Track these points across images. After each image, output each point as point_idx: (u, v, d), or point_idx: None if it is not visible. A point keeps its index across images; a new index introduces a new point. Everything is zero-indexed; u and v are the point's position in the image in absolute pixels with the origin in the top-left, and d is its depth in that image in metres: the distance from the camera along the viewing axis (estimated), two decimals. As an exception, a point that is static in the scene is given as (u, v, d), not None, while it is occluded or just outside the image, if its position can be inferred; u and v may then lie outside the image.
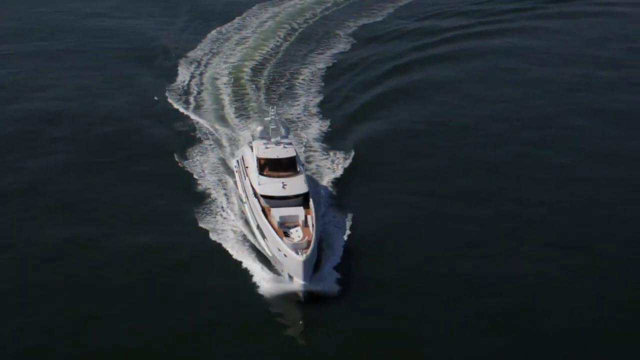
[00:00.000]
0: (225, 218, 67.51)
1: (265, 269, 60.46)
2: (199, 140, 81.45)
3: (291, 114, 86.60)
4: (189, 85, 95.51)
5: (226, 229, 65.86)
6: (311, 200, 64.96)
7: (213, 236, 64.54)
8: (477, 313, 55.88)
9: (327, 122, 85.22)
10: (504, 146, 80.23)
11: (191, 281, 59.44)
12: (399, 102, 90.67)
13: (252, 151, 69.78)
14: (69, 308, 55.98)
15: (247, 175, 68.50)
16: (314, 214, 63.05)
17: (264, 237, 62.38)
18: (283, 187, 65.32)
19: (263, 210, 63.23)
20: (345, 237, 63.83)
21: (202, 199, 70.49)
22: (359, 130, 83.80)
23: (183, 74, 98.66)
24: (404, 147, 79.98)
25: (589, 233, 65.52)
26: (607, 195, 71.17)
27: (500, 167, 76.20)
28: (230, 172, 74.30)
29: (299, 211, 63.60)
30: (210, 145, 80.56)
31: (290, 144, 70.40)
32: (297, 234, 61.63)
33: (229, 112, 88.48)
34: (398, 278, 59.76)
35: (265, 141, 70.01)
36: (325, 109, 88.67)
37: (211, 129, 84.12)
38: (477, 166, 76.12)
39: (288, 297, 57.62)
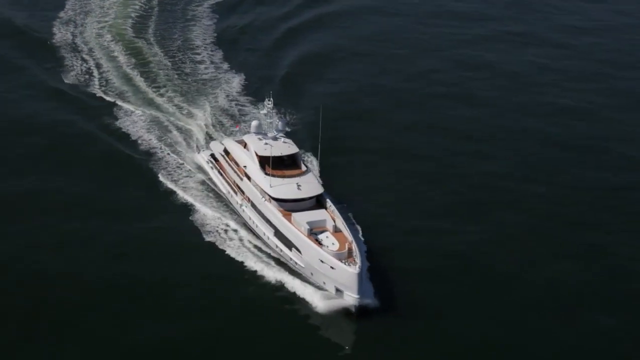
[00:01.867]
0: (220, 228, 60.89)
1: (307, 284, 54.90)
2: (112, 108, 75.99)
3: (205, 74, 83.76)
4: (73, 51, 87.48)
5: (226, 237, 59.70)
6: (328, 200, 59.20)
7: (214, 242, 58.67)
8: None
9: (243, 76, 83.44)
10: (422, 105, 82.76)
11: (223, 298, 54.01)
12: (307, 64, 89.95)
13: (247, 148, 62.51)
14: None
15: (244, 176, 61.66)
16: (340, 217, 57.44)
17: (290, 247, 56.23)
18: (298, 189, 58.98)
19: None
20: (362, 237, 58.92)
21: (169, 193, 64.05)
22: (280, 85, 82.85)
23: (60, 36, 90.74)
24: (334, 109, 77.57)
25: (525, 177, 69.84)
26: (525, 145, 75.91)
27: (427, 125, 78.67)
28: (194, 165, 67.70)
29: (325, 215, 57.68)
30: (127, 113, 75.12)
31: (287, 138, 63.61)
32: (329, 240, 55.45)
33: (130, 71, 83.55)
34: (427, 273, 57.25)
35: (260, 136, 63.03)
36: (234, 65, 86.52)
37: (118, 96, 78.32)
38: (408, 125, 77.85)
39: (338, 313, 52.66)
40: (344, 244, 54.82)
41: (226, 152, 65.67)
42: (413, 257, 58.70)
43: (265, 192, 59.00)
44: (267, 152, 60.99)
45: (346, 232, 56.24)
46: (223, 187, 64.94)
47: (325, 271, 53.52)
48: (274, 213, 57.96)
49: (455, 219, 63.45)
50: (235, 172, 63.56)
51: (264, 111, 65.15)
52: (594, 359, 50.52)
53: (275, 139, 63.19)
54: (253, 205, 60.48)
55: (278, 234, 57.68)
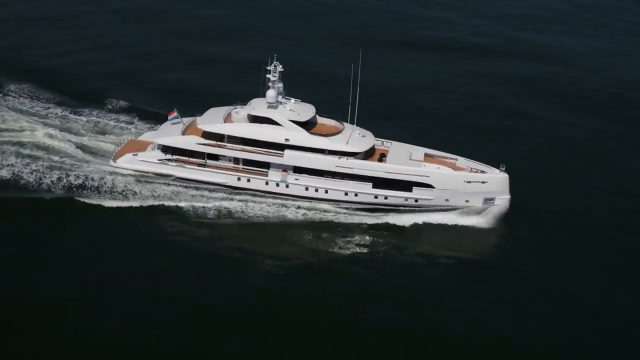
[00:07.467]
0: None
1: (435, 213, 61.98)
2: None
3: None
4: None
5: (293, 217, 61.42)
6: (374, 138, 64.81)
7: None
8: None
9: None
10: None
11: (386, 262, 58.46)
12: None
13: (272, 121, 61.80)
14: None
15: (287, 150, 61.75)
16: (413, 145, 64.61)
17: (407, 188, 61.11)
18: (364, 137, 64.16)
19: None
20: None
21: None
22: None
23: None
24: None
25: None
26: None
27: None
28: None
29: (403, 149, 64.19)
30: None
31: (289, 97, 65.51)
32: (432, 167, 61.66)
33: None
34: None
35: (269, 103, 62.70)
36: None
37: None
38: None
39: (494, 220, 62.16)
40: (453, 164, 62.85)
41: (218, 138, 63.05)
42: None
43: (342, 152, 61.76)
44: (304, 117, 63.14)
45: (440, 153, 64.01)
46: (221, 177, 63.13)
47: (474, 189, 61.21)
48: (368, 165, 61.82)
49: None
50: (257, 152, 62.34)
51: (273, 76, 62.94)
52: None
53: (281, 103, 63.86)
54: (315, 173, 62.17)
55: (380, 183, 61.63)
